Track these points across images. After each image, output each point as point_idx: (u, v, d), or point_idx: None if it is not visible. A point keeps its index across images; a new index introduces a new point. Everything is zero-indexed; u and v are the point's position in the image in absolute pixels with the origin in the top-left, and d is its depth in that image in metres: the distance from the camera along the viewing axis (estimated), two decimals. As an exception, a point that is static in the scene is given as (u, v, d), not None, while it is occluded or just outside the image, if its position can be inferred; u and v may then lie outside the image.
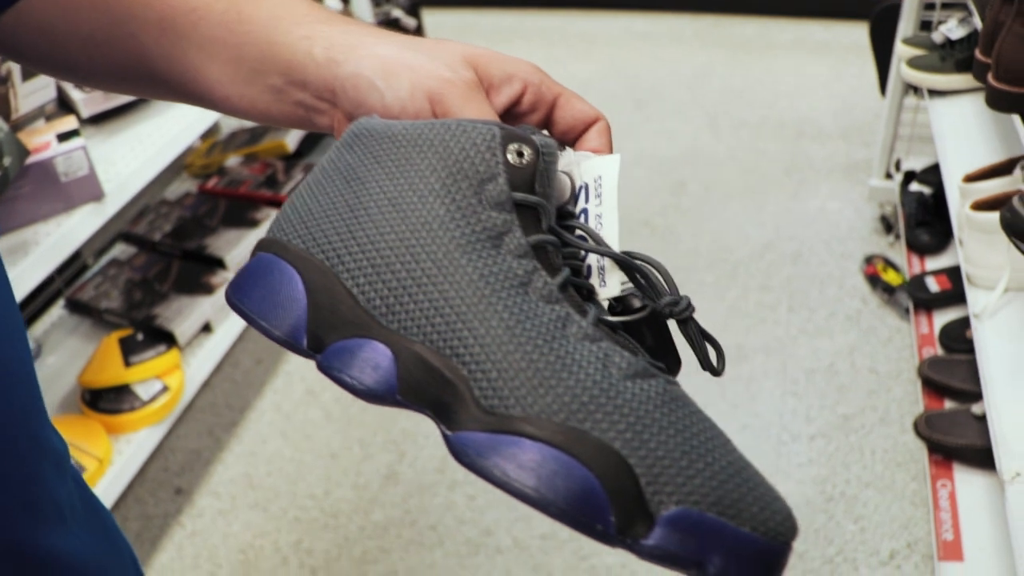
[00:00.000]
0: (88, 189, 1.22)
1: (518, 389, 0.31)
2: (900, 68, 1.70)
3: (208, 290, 1.59)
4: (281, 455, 1.63)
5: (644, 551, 0.29)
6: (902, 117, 1.96)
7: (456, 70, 0.38)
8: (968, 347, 1.48)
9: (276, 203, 1.82)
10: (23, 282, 1.12)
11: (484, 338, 0.32)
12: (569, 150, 0.40)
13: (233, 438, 1.68)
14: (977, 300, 1.22)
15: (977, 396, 1.36)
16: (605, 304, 0.37)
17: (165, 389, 1.43)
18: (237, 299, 0.36)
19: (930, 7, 1.84)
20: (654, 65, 3.01)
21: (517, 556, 1.41)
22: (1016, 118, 1.14)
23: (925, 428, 1.37)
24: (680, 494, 0.30)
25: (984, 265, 1.23)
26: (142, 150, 1.37)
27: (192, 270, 1.65)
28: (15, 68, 1.24)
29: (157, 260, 1.69)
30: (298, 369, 1.82)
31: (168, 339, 1.50)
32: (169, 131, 1.41)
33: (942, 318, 1.62)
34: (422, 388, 0.32)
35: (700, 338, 0.36)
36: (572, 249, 0.36)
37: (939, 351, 1.56)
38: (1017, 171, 1.27)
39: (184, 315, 1.53)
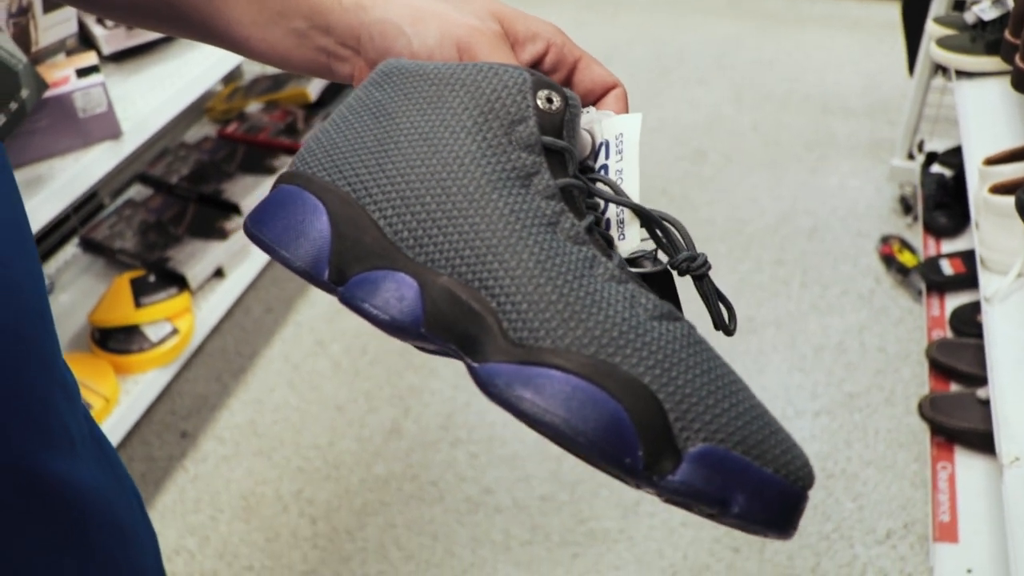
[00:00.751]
0: (106, 126, 1.22)
1: (548, 322, 0.31)
2: (929, 47, 1.67)
3: (222, 235, 1.59)
4: (287, 404, 1.65)
5: (670, 487, 0.29)
6: (928, 98, 1.93)
7: (484, 20, 0.39)
8: (978, 331, 1.47)
9: (295, 151, 1.82)
10: (37, 216, 1.13)
11: (515, 271, 0.32)
12: (591, 108, 0.41)
13: (240, 385, 1.69)
14: (989, 283, 1.21)
15: (983, 381, 1.36)
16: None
17: (174, 332, 1.44)
18: (257, 229, 0.36)
19: (965, -14, 1.81)
20: (682, 33, 2.97)
21: (516, 516, 1.43)
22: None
23: (929, 410, 1.36)
24: (707, 431, 0.30)
25: (999, 249, 1.22)
26: (162, 90, 1.37)
27: (207, 214, 1.65)
28: (37, 0, 1.24)
29: (173, 203, 1.70)
30: (308, 320, 1.83)
31: (180, 282, 1.51)
32: (190, 72, 1.41)
33: (954, 301, 1.61)
34: (448, 320, 0.32)
35: (715, 296, 0.36)
36: (594, 200, 0.37)
37: (949, 334, 1.55)
38: (1041, 156, 1.25)
39: (197, 259, 1.54)
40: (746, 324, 1.75)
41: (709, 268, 0.36)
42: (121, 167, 1.79)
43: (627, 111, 0.42)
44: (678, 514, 1.41)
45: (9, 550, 0.36)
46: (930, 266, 1.68)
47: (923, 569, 1.31)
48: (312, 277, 0.34)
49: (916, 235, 1.92)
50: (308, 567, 1.37)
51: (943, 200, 1.81)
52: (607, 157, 0.39)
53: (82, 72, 1.22)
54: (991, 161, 1.28)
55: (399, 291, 0.32)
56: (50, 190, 1.15)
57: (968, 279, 1.61)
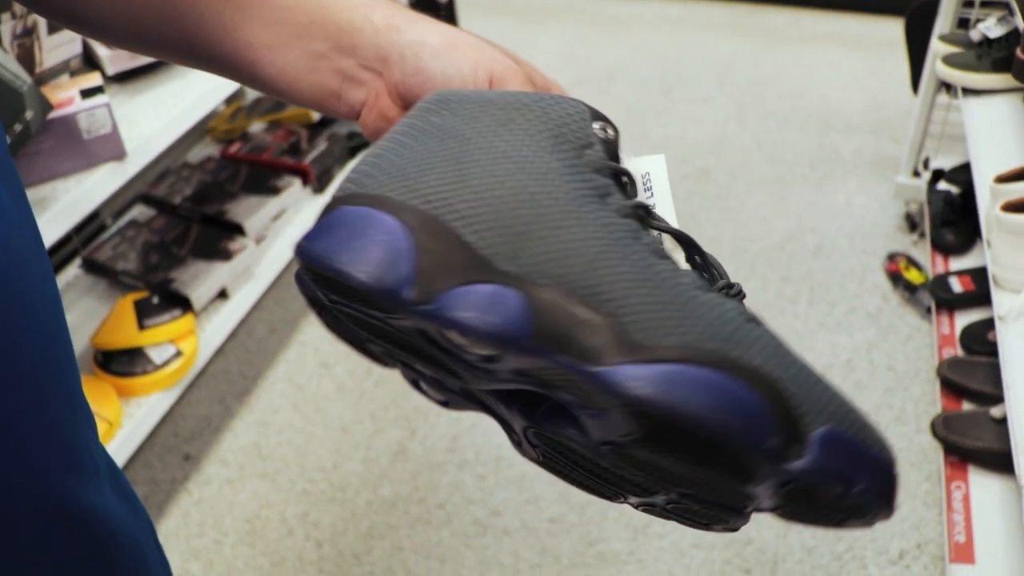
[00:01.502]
0: (110, 147, 1.22)
1: (668, 321, 0.31)
2: (935, 65, 1.67)
3: (226, 256, 1.58)
4: (291, 426, 1.63)
5: (805, 469, 0.31)
6: (933, 115, 1.93)
7: (517, 61, 0.41)
8: (989, 349, 1.46)
9: (298, 171, 1.81)
10: (41, 238, 1.12)
11: (626, 276, 0.32)
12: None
13: (244, 407, 1.68)
14: (1003, 302, 1.20)
15: (996, 399, 1.34)
16: None
17: (178, 354, 1.43)
18: (318, 250, 0.32)
19: (968, 4, 1.81)
20: (685, 51, 2.97)
21: (525, 538, 1.41)
22: (1054, 118, 1.12)
23: (942, 429, 1.35)
24: (825, 414, 0.32)
25: (1011, 267, 1.21)
26: (166, 111, 1.36)
27: (211, 235, 1.64)
28: (41, 21, 1.23)
29: (176, 223, 1.69)
30: (312, 340, 1.81)
31: (184, 304, 1.50)
32: (194, 93, 1.41)
33: (964, 319, 1.60)
34: (559, 329, 0.31)
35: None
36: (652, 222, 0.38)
37: (960, 352, 1.54)
38: (1051, 173, 1.25)
39: (201, 280, 1.53)
40: (754, 343, 1.74)
41: (744, 296, 0.36)
42: (124, 187, 1.79)
43: None
44: (688, 535, 1.39)
45: None
46: (939, 284, 1.67)
47: (938, 591, 1.29)
48: (390, 296, 0.31)
49: (922, 252, 1.91)
50: (314, 592, 1.35)
51: (950, 217, 1.80)
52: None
53: (86, 93, 1.22)
54: (1002, 179, 1.28)
55: (502, 301, 0.31)
56: (53, 212, 1.14)
57: (978, 297, 1.60)
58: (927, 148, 2.00)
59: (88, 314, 1.58)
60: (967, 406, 1.44)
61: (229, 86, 1.48)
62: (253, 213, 1.68)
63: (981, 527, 1.24)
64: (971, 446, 1.31)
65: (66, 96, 1.21)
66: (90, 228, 1.80)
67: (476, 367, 0.33)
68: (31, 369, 0.33)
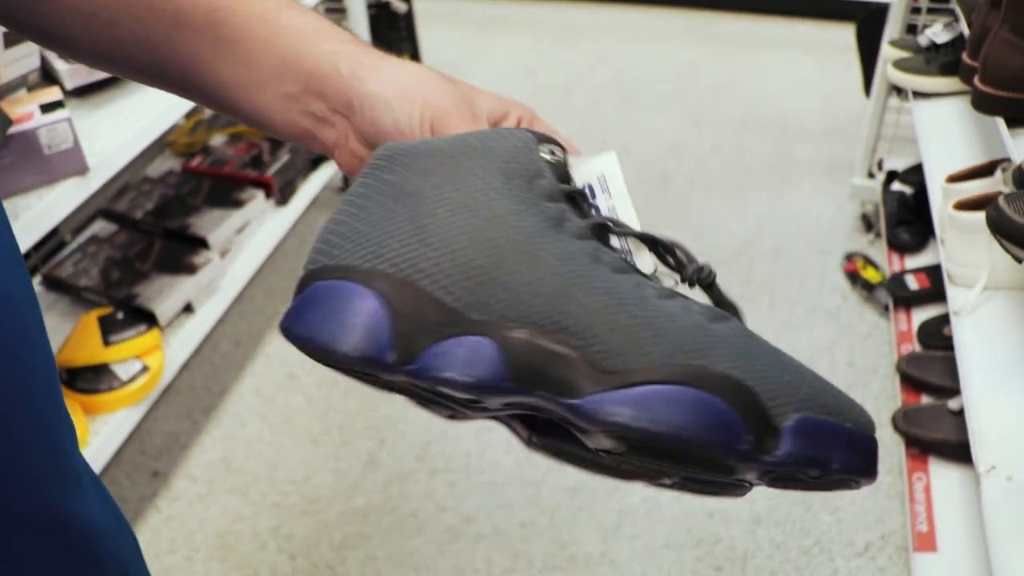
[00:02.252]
0: (72, 163, 1.21)
1: (633, 345, 0.33)
2: (886, 69, 1.72)
3: (191, 270, 1.57)
4: (260, 439, 1.62)
5: (780, 460, 0.33)
6: (885, 118, 1.98)
7: (457, 103, 0.41)
8: (945, 344, 1.50)
9: (261, 183, 1.80)
10: None
11: (588, 307, 0.34)
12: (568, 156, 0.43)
13: (212, 421, 1.67)
14: (957, 297, 1.24)
15: (953, 392, 1.38)
16: None
17: (145, 369, 1.42)
18: (299, 330, 0.34)
19: (916, 11, 1.86)
20: (642, 59, 3.01)
21: (497, 543, 1.41)
22: (999, 121, 1.16)
23: (903, 422, 1.38)
24: (796, 404, 0.33)
25: (964, 263, 1.25)
26: (127, 125, 1.35)
27: (175, 249, 1.63)
28: (-1, 37, 1.22)
29: (139, 238, 1.67)
30: (279, 353, 1.81)
31: (149, 319, 1.49)
32: (156, 107, 1.40)
33: (920, 315, 1.65)
34: (534, 368, 0.33)
35: (725, 298, 0.39)
36: (613, 230, 0.39)
37: (917, 348, 1.58)
38: (998, 173, 1.29)
39: (166, 294, 1.52)
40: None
41: (715, 275, 0.39)
42: (84, 203, 1.76)
43: None
44: (660, 535, 1.41)
45: None
46: (896, 282, 1.72)
47: (903, 581, 1.32)
48: (375, 363, 0.33)
49: (879, 252, 1.96)
50: (288, 605, 1.35)
51: (905, 217, 1.85)
52: (594, 198, 0.41)
53: (46, 107, 1.21)
54: (953, 179, 1.32)
55: (476, 352, 0.33)
56: (15, 228, 1.13)
57: (933, 293, 1.64)
58: (880, 150, 2.05)
59: (50, 331, 1.55)
60: (926, 400, 1.48)
61: (189, 102, 1.47)
62: (217, 226, 1.67)
63: (942, 516, 1.27)
64: (930, 438, 1.34)
65: (25, 111, 1.20)
66: (49, 245, 1.78)
67: (468, 405, 0.36)
68: (17, 373, 0.34)
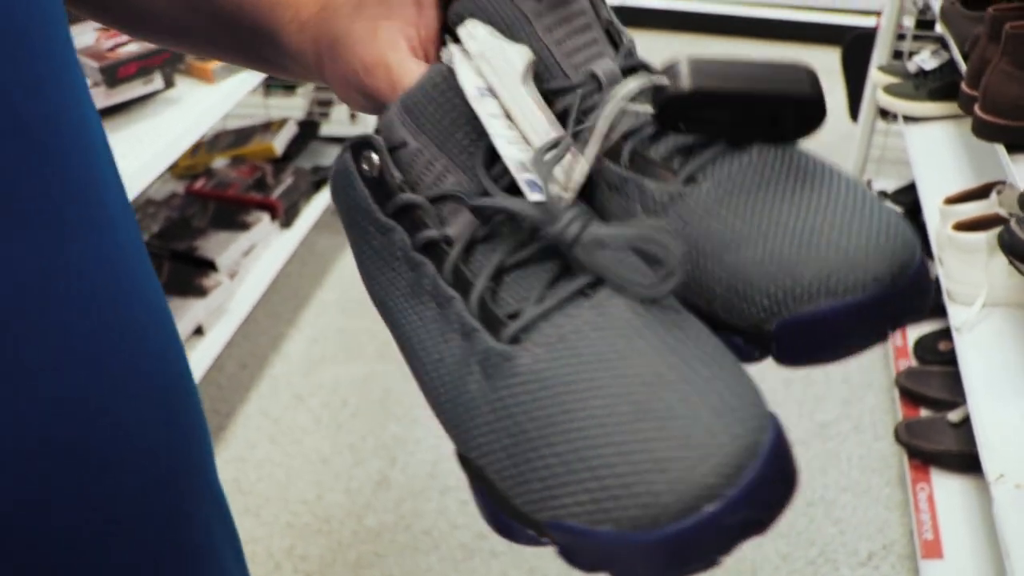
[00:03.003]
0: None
1: (470, 451, 0.32)
2: (876, 93, 1.78)
3: (201, 292, 1.58)
4: (270, 460, 1.63)
5: (560, 551, 0.31)
6: (872, 140, 2.05)
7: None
8: (941, 359, 1.56)
9: (266, 206, 1.82)
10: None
11: (477, 437, 0.32)
12: (452, 46, 0.35)
13: (220, 443, 1.67)
14: (957, 314, 1.29)
15: (951, 405, 1.43)
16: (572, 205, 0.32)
17: (160, 391, 1.42)
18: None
19: (901, 37, 1.93)
20: (625, 82, 3.07)
21: (512, 559, 1.44)
22: (998, 147, 1.21)
23: (905, 434, 1.43)
24: (542, 505, 0.29)
25: (963, 281, 1.30)
26: (141, 151, 1.36)
27: (183, 272, 1.64)
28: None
29: (147, 262, 1.68)
30: (284, 374, 1.82)
31: (162, 341, 1.49)
32: (170, 132, 1.41)
33: (915, 331, 1.70)
34: (499, 495, 0.32)
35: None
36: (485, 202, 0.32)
37: (913, 362, 1.63)
38: (993, 195, 1.35)
39: (177, 317, 1.53)
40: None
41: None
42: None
43: None
44: (671, 549, 1.44)
45: None
46: (888, 299, 1.77)
47: (909, 589, 1.37)
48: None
49: (868, 270, 2.02)
50: (307, 624, 1.36)
51: (893, 236, 1.91)
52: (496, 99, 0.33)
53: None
54: (951, 200, 1.37)
55: (479, 500, 0.34)
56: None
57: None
58: (868, 171, 2.12)
59: (60, 355, 1.56)
60: (924, 412, 1.53)
61: (207, 122, 1.49)
62: (224, 249, 1.68)
63: (946, 524, 1.32)
64: (932, 449, 1.39)
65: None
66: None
67: None
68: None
